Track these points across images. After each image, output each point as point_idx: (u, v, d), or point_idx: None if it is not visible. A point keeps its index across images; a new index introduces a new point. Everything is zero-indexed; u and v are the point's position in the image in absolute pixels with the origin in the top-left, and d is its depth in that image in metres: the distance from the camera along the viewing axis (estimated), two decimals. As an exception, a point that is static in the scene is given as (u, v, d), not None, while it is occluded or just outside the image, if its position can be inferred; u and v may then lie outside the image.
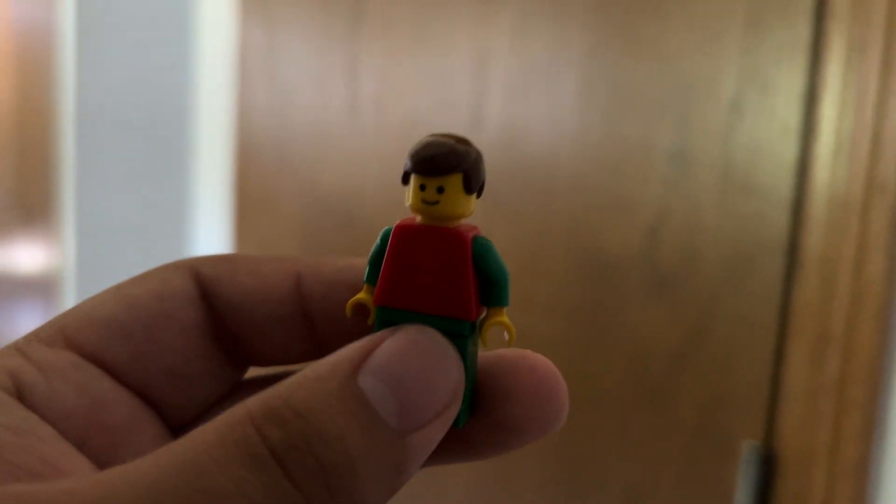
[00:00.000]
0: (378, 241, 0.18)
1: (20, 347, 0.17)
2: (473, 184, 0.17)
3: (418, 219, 0.18)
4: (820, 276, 0.60)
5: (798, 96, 0.61)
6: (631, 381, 0.72)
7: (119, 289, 0.19)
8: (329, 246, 0.98)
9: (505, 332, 0.18)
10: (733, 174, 0.65)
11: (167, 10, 1.16)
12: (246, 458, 0.13)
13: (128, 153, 1.22)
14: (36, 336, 0.18)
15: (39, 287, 1.39)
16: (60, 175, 1.28)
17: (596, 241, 0.74)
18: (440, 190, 0.17)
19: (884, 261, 0.56)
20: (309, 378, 0.15)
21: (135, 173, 1.22)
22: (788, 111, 0.62)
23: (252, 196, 1.10)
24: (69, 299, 1.30)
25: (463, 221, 0.18)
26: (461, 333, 0.17)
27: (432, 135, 0.18)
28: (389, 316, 0.17)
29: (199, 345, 0.19)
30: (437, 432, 0.15)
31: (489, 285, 0.18)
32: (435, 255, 0.17)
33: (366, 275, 0.18)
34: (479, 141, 0.82)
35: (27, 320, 1.42)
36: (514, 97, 0.79)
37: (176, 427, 0.19)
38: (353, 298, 0.18)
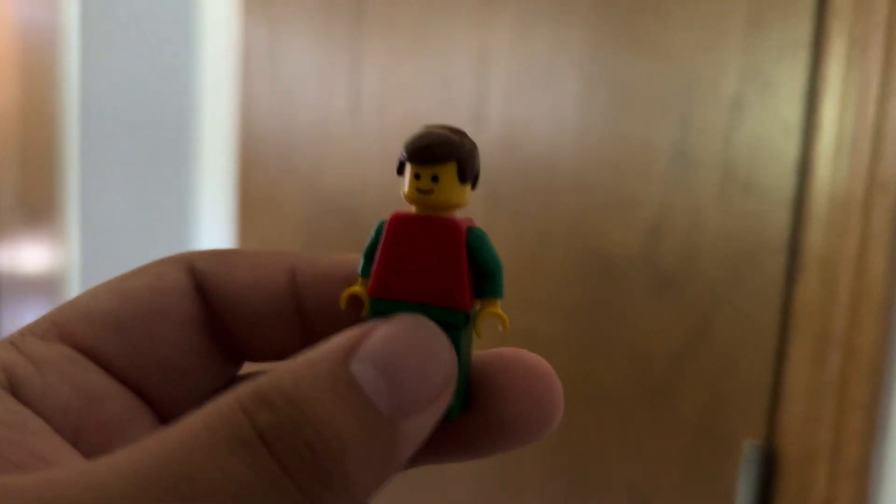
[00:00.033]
0: (373, 233, 0.18)
1: (14, 341, 0.17)
2: (468, 173, 0.17)
3: (413, 210, 0.18)
4: (821, 275, 0.60)
5: (799, 95, 0.61)
6: (632, 380, 0.72)
7: (114, 283, 0.19)
8: (331, 245, 0.99)
9: (499, 324, 0.18)
10: (734, 173, 0.65)
11: (170, 11, 1.16)
12: (234, 442, 0.13)
13: (131, 153, 1.22)
14: (30, 330, 0.18)
15: (44, 286, 1.39)
16: (64, 175, 1.28)
17: (597, 241, 0.74)
18: (435, 179, 0.17)
19: (885, 259, 0.56)
20: (300, 364, 0.15)
21: (138, 173, 1.22)
22: (789, 110, 0.62)
23: (255, 196, 1.10)
24: (73, 299, 1.30)
25: (458, 213, 0.18)
26: (455, 324, 0.17)
27: (427, 126, 0.18)
28: (383, 307, 0.17)
29: (194, 339, 0.19)
30: (429, 419, 0.15)
31: (483, 276, 0.18)
32: (429, 245, 0.17)
33: (360, 268, 0.18)
34: (481, 140, 0.82)
35: (32, 319, 1.42)
36: (515, 96, 0.79)
37: (170, 422, 0.19)
38: (348, 290, 0.18)
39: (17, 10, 1.35)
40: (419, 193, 0.17)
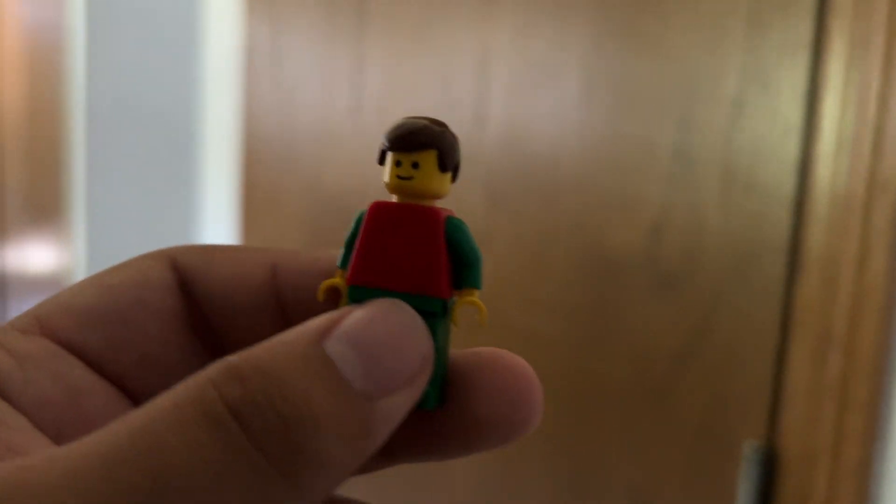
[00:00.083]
0: (353, 224, 0.18)
1: None
2: (448, 162, 0.17)
3: (394, 199, 0.18)
4: (822, 274, 0.59)
5: (800, 94, 0.61)
6: (633, 380, 0.72)
7: (96, 278, 0.19)
8: (333, 245, 0.99)
9: (476, 314, 0.18)
10: (735, 173, 0.65)
11: (174, 11, 1.17)
12: (202, 417, 0.13)
13: (136, 153, 1.22)
14: (12, 325, 0.17)
15: (50, 285, 1.40)
16: (70, 174, 1.29)
17: (598, 240, 0.73)
18: (415, 166, 0.17)
19: (886, 259, 0.55)
20: (273, 342, 0.14)
21: (144, 173, 1.23)
22: (790, 109, 0.61)
23: (258, 195, 1.10)
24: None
25: (438, 203, 0.18)
26: (432, 311, 0.17)
27: (409, 117, 0.18)
28: (361, 295, 0.17)
29: (177, 333, 0.19)
30: (405, 400, 0.15)
31: (462, 267, 0.18)
32: (408, 233, 0.17)
33: (339, 259, 0.18)
34: (482, 140, 0.82)
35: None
36: (516, 96, 0.79)
37: None
38: (326, 282, 0.18)
39: (23, 11, 1.36)
40: (399, 180, 0.17)
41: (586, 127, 0.74)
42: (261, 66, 1.08)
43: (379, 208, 0.17)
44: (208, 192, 1.19)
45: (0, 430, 0.15)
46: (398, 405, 0.15)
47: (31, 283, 1.43)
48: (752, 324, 0.65)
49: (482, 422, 0.17)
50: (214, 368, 0.14)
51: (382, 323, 0.15)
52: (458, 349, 0.18)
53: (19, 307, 1.45)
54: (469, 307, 0.18)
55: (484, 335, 0.84)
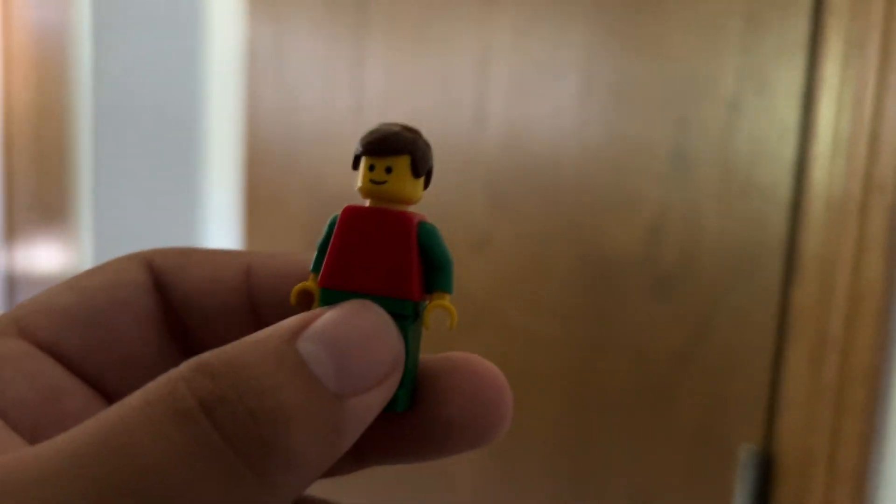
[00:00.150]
0: (325, 228, 0.18)
1: None
2: (421, 168, 0.18)
3: (367, 203, 0.18)
4: (818, 277, 0.59)
5: (796, 95, 0.60)
6: (632, 383, 0.72)
7: (74, 280, 0.19)
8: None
9: (446, 318, 0.18)
10: (733, 174, 0.64)
11: (178, 12, 1.17)
12: (173, 413, 0.13)
13: (142, 153, 1.23)
14: None
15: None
16: (77, 175, 1.30)
17: (597, 241, 0.73)
18: (388, 170, 0.17)
19: (882, 262, 0.55)
20: (245, 341, 0.14)
21: (149, 175, 1.23)
22: (787, 110, 0.61)
23: (261, 195, 1.11)
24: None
25: (410, 208, 0.18)
26: (403, 314, 0.17)
27: (383, 123, 0.18)
28: (333, 298, 0.17)
29: (153, 334, 0.19)
30: (376, 400, 0.15)
31: (433, 271, 0.18)
32: (380, 236, 0.17)
33: (312, 263, 0.18)
34: (483, 140, 0.82)
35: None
36: (516, 96, 0.79)
37: None
38: (298, 285, 0.18)
39: (30, 13, 1.37)
40: (372, 184, 0.17)
41: (585, 127, 0.74)
42: (263, 67, 1.08)
43: (352, 212, 0.18)
44: (212, 191, 1.20)
45: None
46: (369, 405, 0.15)
47: (39, 281, 1.44)
48: (750, 326, 0.64)
49: (452, 425, 0.17)
50: (185, 366, 0.14)
51: (354, 323, 0.15)
52: (431, 353, 0.18)
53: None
54: (440, 311, 0.18)
55: (482, 335, 0.84)
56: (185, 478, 0.13)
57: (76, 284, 0.19)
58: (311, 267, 0.18)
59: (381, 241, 0.17)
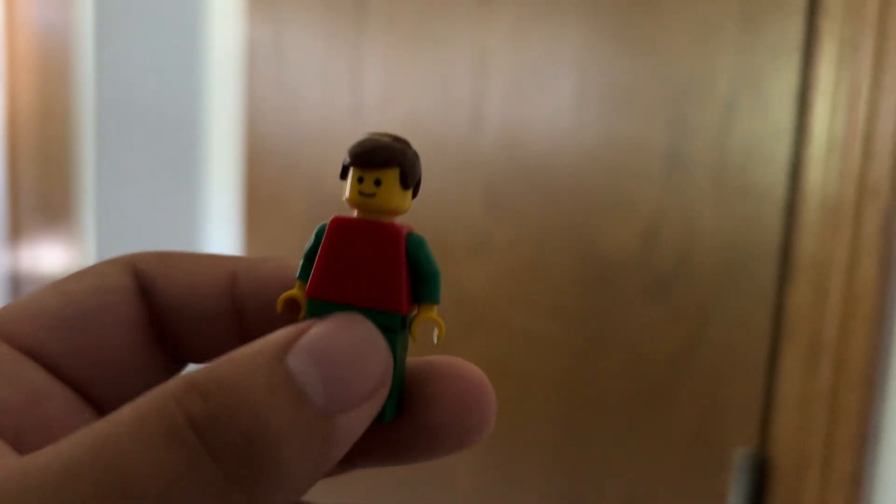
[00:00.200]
0: (312, 237, 0.18)
1: None
2: (410, 179, 0.18)
3: (355, 214, 0.18)
4: (813, 280, 0.58)
5: (791, 96, 0.60)
6: (629, 385, 0.72)
7: (57, 284, 0.19)
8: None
9: (434, 330, 0.18)
10: (727, 175, 0.64)
11: (178, 13, 1.18)
12: (163, 431, 0.13)
13: (143, 154, 1.24)
14: None
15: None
16: (80, 176, 1.31)
17: (594, 242, 0.73)
18: (377, 183, 0.17)
19: (876, 265, 0.54)
20: (234, 357, 0.14)
21: (150, 176, 1.24)
22: (781, 111, 0.60)
23: (261, 195, 1.11)
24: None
25: (398, 219, 0.18)
26: (391, 327, 0.17)
27: (371, 133, 0.18)
28: (321, 308, 0.17)
29: (137, 339, 0.19)
30: (364, 416, 0.15)
31: (421, 282, 0.18)
32: (368, 248, 0.17)
33: (298, 271, 0.18)
34: (480, 142, 0.82)
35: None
36: (512, 97, 0.79)
37: None
38: (285, 294, 0.18)
39: (33, 14, 1.37)
40: (361, 197, 0.17)
41: (581, 128, 0.73)
42: (263, 67, 1.08)
43: (340, 223, 0.18)
44: (212, 191, 1.20)
45: None
46: (358, 420, 0.15)
47: (43, 281, 1.45)
48: (745, 330, 0.64)
49: (437, 429, 0.17)
50: (176, 383, 0.14)
51: (343, 339, 0.15)
52: (422, 356, 0.18)
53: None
54: (428, 322, 0.18)
55: (480, 336, 0.83)
56: (174, 495, 0.13)
57: (59, 288, 0.19)
58: (297, 274, 0.18)
59: (370, 254, 0.17)
